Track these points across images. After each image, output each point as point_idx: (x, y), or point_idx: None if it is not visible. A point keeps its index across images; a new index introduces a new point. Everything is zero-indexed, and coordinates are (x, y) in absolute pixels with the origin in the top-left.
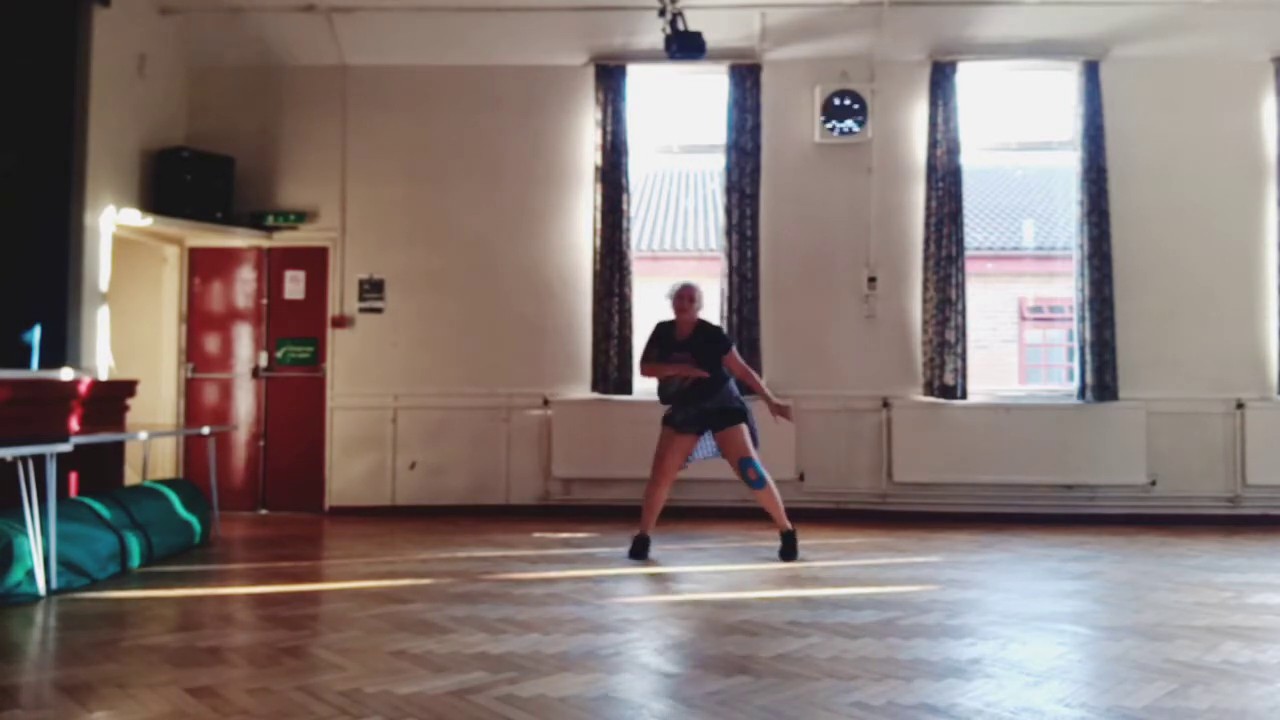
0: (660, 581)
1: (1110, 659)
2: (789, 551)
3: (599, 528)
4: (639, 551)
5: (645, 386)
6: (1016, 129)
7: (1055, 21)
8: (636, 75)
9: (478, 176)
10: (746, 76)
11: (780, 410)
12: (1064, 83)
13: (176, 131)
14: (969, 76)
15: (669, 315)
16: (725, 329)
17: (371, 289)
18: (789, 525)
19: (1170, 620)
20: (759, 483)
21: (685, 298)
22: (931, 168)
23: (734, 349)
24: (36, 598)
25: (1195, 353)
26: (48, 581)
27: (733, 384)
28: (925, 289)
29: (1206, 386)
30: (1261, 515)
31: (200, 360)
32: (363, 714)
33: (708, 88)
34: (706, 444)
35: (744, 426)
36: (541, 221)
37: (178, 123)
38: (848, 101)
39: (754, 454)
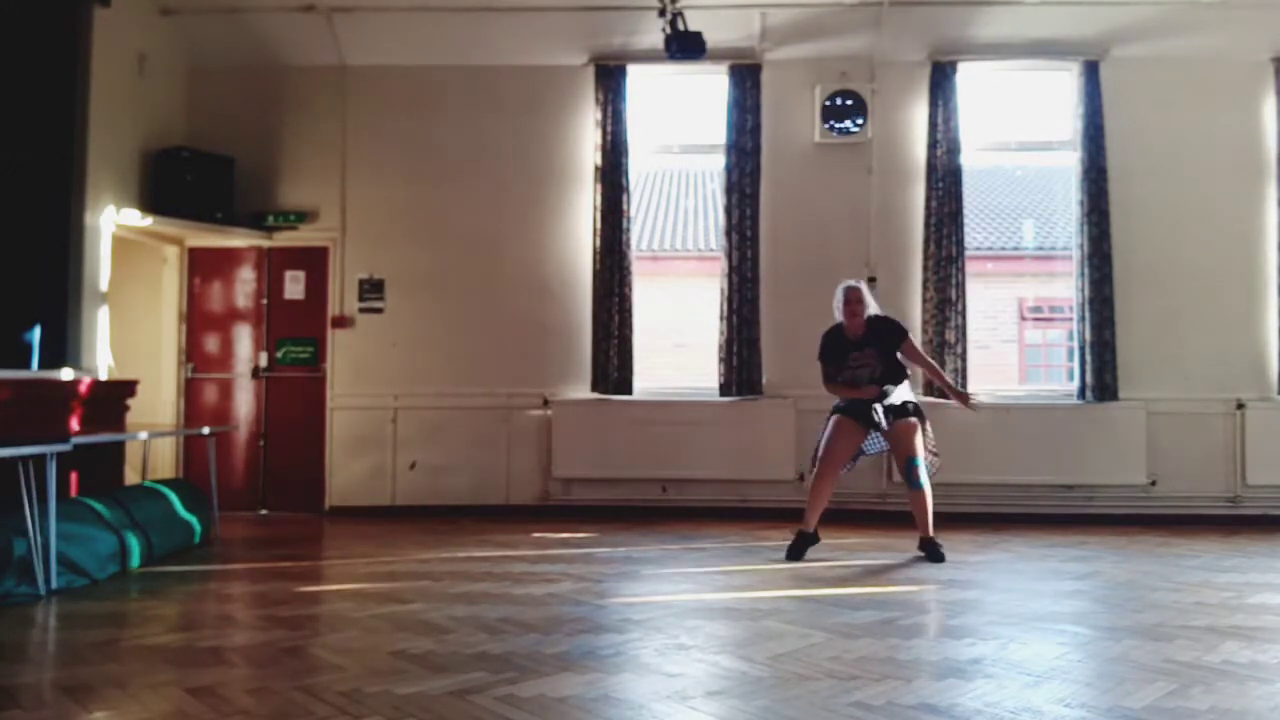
0: (660, 581)
1: (1110, 659)
2: (935, 556)
3: (599, 528)
4: (797, 551)
5: (645, 387)
6: (1016, 129)
7: (1055, 21)
8: (636, 75)
9: (478, 176)
10: (746, 76)
11: (962, 398)
12: (1064, 83)
13: (176, 131)
14: (969, 76)
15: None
16: (722, 327)
17: (371, 289)
18: (932, 534)
19: (1170, 620)
20: (918, 484)
21: (854, 300)
22: (931, 168)
23: (910, 336)
24: (36, 598)
25: (1195, 353)
26: (48, 581)
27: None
28: (925, 289)
29: (1206, 386)
30: (1261, 515)
31: (200, 360)
32: (363, 714)
33: (708, 88)
34: (877, 438)
35: (917, 423)
36: (541, 221)
37: (178, 123)
38: (848, 101)
39: (921, 454)
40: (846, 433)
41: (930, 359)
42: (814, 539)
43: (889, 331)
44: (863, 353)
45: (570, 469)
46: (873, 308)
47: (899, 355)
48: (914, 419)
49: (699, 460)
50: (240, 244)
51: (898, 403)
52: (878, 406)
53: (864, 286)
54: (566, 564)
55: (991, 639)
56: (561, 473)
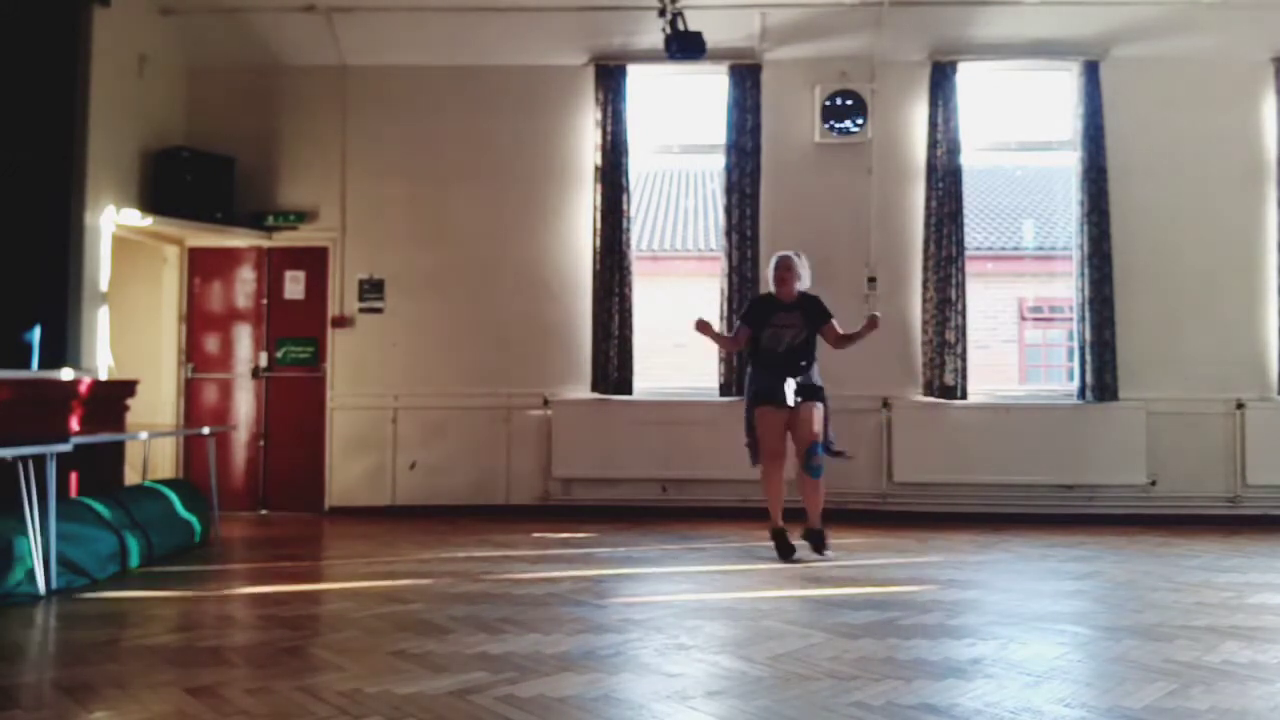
0: (660, 581)
1: (1110, 659)
2: (820, 547)
3: (599, 528)
4: (784, 550)
5: (645, 387)
6: (1016, 129)
7: (1055, 21)
8: (636, 75)
9: (478, 176)
10: (746, 76)
11: (868, 324)
12: (1064, 83)
13: (176, 131)
14: (969, 76)
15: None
16: (722, 327)
17: (371, 289)
18: (820, 525)
19: (1170, 620)
20: (818, 471)
21: (784, 267)
22: (931, 168)
23: (834, 322)
24: (36, 598)
25: (1195, 353)
26: (48, 581)
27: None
28: (925, 289)
29: (1206, 386)
30: (1261, 515)
31: (200, 360)
32: (363, 714)
33: (708, 88)
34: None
35: (822, 407)
36: (541, 221)
37: (178, 123)
38: (848, 101)
39: (821, 440)
40: (770, 422)
41: (847, 332)
42: (783, 532)
43: (818, 309)
44: (791, 315)
45: (570, 469)
46: (805, 281)
47: (821, 336)
48: (819, 403)
49: (699, 460)
50: (240, 244)
51: (805, 383)
52: (791, 382)
53: (795, 257)
54: (566, 564)
55: (991, 639)
56: (561, 473)
